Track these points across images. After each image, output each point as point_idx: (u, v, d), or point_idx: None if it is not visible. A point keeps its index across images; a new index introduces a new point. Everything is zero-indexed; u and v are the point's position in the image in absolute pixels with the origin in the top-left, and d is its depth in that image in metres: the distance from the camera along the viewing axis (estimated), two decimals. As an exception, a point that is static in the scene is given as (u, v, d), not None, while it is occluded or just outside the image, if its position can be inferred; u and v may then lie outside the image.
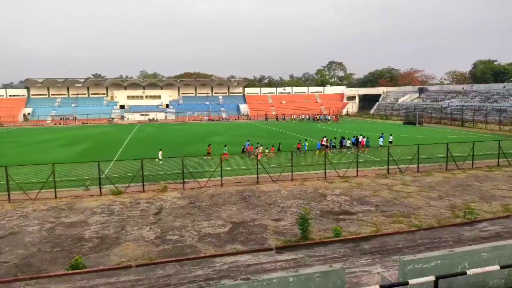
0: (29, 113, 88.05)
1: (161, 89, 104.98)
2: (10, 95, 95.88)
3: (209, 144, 32.87)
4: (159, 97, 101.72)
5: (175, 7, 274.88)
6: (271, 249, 12.18)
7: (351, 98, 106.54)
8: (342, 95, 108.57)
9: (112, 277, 9.72)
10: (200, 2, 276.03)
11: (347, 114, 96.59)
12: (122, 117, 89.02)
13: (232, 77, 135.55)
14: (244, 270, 8.46)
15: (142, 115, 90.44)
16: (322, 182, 22.80)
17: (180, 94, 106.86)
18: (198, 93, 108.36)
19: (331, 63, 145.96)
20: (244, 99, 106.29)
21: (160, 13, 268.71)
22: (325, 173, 23.98)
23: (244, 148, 33.24)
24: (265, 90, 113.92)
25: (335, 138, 37.84)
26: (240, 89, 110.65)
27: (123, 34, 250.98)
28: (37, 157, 33.96)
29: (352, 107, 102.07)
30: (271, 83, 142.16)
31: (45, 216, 17.00)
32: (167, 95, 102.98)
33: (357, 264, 11.36)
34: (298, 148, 33.69)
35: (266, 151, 31.47)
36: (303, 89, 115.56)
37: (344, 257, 11.90)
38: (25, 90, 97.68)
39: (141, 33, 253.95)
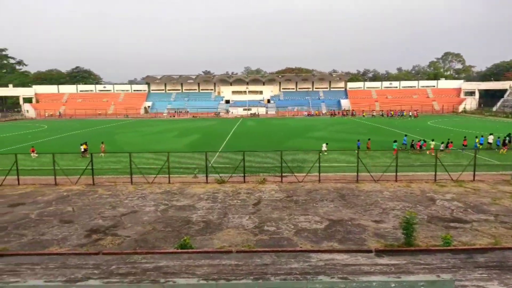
0: (149, 106, 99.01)
1: (263, 84, 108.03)
2: (134, 90, 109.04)
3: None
4: (261, 92, 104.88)
5: (276, 5, 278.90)
6: (370, 251, 11.66)
7: (470, 93, 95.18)
8: (458, 89, 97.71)
9: (215, 260, 10.43)
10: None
11: (464, 111, 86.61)
12: (227, 111, 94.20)
13: (334, 71, 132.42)
14: (340, 269, 8.27)
15: (245, 109, 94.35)
16: (431, 185, 20.93)
17: (281, 89, 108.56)
18: (299, 88, 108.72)
19: (446, 54, 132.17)
20: (345, 94, 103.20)
21: (263, 12, 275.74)
22: (435, 175, 21.95)
23: (413, 143, 32.46)
24: (369, 84, 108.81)
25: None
26: (342, 84, 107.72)
27: (229, 34, 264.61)
28: (154, 145, 38.09)
29: (471, 103, 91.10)
30: (376, 77, 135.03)
31: (159, 199, 18.98)
32: (268, 90, 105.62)
33: (469, 277, 10.18)
34: (419, 147, 31.52)
35: (442, 146, 30.97)
36: (413, 83, 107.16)
37: (454, 269, 10.77)
38: (146, 85, 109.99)
39: (245, 32, 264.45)
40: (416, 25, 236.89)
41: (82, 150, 31.01)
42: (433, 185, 21.04)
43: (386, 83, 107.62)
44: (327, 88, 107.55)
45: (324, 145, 31.06)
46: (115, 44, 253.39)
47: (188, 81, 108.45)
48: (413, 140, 33.77)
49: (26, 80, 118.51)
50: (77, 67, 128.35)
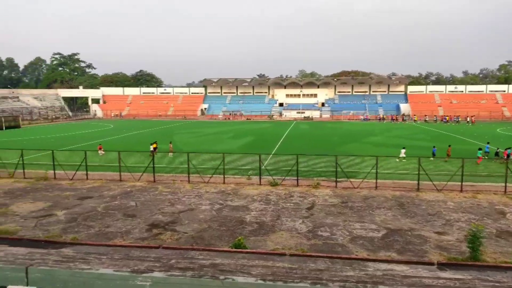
0: (205, 109, 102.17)
1: (318, 87, 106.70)
2: (192, 93, 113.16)
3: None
4: (315, 95, 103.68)
5: (334, 8, 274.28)
6: (432, 264, 11.04)
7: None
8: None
9: (269, 261, 10.46)
10: (361, 2, 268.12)
11: (540, 118, 78.89)
12: (280, 114, 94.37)
13: (393, 74, 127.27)
14: (400, 281, 7.84)
15: (299, 112, 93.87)
16: (501, 197, 19.34)
17: (336, 93, 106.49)
18: (355, 92, 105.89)
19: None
20: (405, 98, 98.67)
21: (318, 14, 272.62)
22: (505, 186, 20.25)
23: (498, 151, 30.28)
24: (432, 88, 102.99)
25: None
26: (401, 87, 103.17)
27: (283, 36, 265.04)
28: (210, 146, 39.23)
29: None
30: (440, 81, 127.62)
31: (215, 198, 19.51)
32: (323, 94, 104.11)
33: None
34: (506, 156, 27.10)
35: None
36: (480, 87, 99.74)
37: (529, 290, 9.84)
38: (203, 88, 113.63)
39: (299, 33, 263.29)
40: (484, 26, 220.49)
41: (152, 149, 32.79)
42: (503, 197, 19.45)
43: (450, 87, 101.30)
44: (385, 91, 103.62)
45: (402, 150, 29.60)
46: (174, 47, 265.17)
47: (243, 84, 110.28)
48: (498, 148, 31.39)
49: (94, 82, 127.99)
50: (140, 71, 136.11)
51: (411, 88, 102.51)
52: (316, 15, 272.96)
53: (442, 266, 10.87)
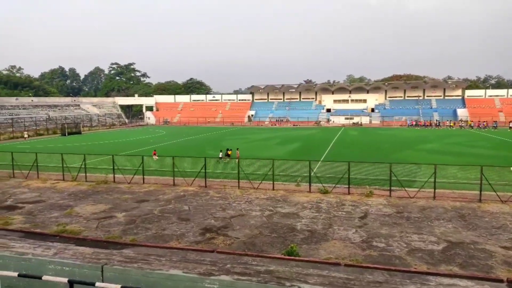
0: (252, 115, 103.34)
1: (367, 92, 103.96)
2: (239, 100, 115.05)
3: None
4: (364, 101, 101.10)
5: (386, 8, 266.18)
6: (501, 281, 10.28)
7: None
8: None
9: (324, 270, 10.31)
10: (413, 1, 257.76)
11: None
12: (328, 120, 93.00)
13: (449, 78, 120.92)
14: (468, 297, 7.48)
15: (347, 118, 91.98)
16: None
17: (387, 98, 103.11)
18: (407, 96, 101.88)
19: None
20: (463, 102, 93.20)
21: (370, 16, 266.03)
22: None
23: None
24: (492, 92, 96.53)
25: None
26: (458, 92, 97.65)
27: (332, 39, 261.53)
28: (258, 152, 39.54)
29: None
30: (501, 84, 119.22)
31: (264, 204, 19.59)
32: (373, 99, 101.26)
33: None
34: None
35: None
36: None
37: None
38: (250, 95, 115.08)
39: (349, 36, 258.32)
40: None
41: (224, 155, 33.91)
42: None
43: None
44: (440, 96, 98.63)
45: None
46: (222, 55, 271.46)
47: (290, 90, 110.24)
48: None
49: (148, 90, 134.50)
50: (191, 79, 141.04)
51: (468, 93, 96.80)
52: (366, 15, 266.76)
53: (512, 284, 10.09)
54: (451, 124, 77.33)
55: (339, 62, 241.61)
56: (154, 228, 16.18)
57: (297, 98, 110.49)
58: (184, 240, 14.58)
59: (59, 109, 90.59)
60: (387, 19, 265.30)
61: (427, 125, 79.23)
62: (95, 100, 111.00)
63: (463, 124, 76.32)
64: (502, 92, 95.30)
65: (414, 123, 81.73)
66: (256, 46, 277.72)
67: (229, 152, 34.17)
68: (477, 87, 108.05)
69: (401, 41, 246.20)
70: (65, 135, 64.95)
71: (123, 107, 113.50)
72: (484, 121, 74.66)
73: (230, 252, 12.36)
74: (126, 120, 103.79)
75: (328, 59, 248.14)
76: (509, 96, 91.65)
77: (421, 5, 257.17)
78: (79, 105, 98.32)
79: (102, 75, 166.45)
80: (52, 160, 30.68)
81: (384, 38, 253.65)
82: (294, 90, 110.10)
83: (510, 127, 67.56)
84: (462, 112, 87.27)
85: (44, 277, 4.89)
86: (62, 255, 9.87)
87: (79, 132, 69.11)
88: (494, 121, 73.34)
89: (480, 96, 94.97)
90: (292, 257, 11.52)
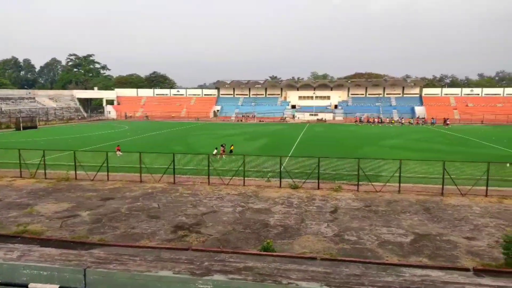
0: (218, 110, 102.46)
1: (331, 90, 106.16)
2: (204, 94, 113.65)
3: None
4: (328, 97, 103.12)
5: (348, 8, 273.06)
6: (467, 270, 10.80)
7: None
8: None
9: (301, 265, 10.32)
10: (373, 0, 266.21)
11: (560, 122, 77.09)
12: (293, 116, 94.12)
13: (408, 76, 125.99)
14: (443, 287, 7.73)
15: (311, 115, 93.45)
16: (529, 202, 18.87)
17: (350, 95, 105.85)
18: (369, 94, 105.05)
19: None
20: (420, 100, 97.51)
21: (332, 15, 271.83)
22: (533, 191, 19.80)
23: None
24: (447, 91, 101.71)
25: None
26: (416, 90, 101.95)
27: (295, 37, 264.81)
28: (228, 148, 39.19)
29: None
30: (454, 84, 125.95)
31: (236, 200, 19.44)
32: (336, 96, 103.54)
33: None
34: None
35: None
36: (497, 90, 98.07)
37: None
38: (216, 90, 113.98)
39: (312, 35, 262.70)
40: (501, 28, 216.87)
41: (220, 151, 33.09)
42: (531, 202, 18.97)
43: (466, 90, 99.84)
44: (400, 94, 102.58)
45: None
46: (186, 49, 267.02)
47: (256, 86, 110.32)
48: None
49: (109, 83, 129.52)
50: (154, 72, 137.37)
51: (426, 91, 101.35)
52: (328, 15, 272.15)
53: (478, 272, 10.61)
54: (405, 122, 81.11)
55: (303, 59, 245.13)
56: (122, 226, 15.58)
57: (263, 94, 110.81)
58: (156, 239, 14.16)
59: (13, 102, 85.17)
60: (349, 18, 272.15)
61: (371, 121, 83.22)
62: (52, 93, 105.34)
63: (403, 121, 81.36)
64: (456, 90, 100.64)
65: (358, 119, 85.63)
66: (222, 42, 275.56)
67: (232, 148, 33.94)
68: (434, 86, 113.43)
69: (362, 39, 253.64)
70: (19, 130, 61.19)
71: (81, 101, 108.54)
72: (423, 118, 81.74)
73: (205, 249, 12.13)
74: (85, 114, 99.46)
75: (292, 56, 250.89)
76: (463, 95, 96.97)
77: (382, 5, 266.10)
78: (34, 98, 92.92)
79: (59, 66, 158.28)
80: (7, 156, 28.76)
81: (345, 36, 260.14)
82: (260, 86, 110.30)
83: (446, 124, 72.81)
84: (419, 110, 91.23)
85: (31, 285, 4.45)
86: (28, 258, 9.22)
87: (35, 127, 65.37)
88: (432, 118, 79.34)
89: (436, 94, 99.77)
90: (268, 253, 11.49)
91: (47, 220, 16.38)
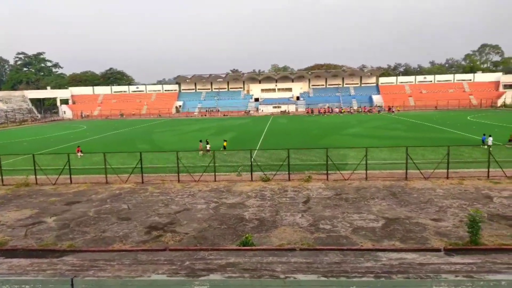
0: (180, 106, 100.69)
1: (292, 81, 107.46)
2: (165, 90, 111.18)
3: None
4: (290, 89, 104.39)
5: (302, 1, 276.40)
6: (439, 250, 11.38)
7: (510, 86, 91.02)
8: (497, 83, 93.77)
9: (282, 257, 10.41)
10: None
11: (504, 105, 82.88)
12: (257, 109, 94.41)
13: (364, 66, 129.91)
14: (420, 269, 8.05)
15: (275, 107, 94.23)
16: (485, 182, 20.15)
17: (311, 86, 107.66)
18: (329, 85, 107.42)
19: (483, 46, 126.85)
20: (377, 89, 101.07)
21: (288, 8, 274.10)
22: (488, 172, 21.14)
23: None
24: (402, 79, 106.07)
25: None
26: (373, 79, 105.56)
27: (255, 30, 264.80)
28: (193, 144, 38.61)
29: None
30: (408, 72, 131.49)
31: (209, 196, 19.25)
32: (298, 88, 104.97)
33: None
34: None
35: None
36: (448, 77, 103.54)
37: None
38: (177, 85, 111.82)
39: (271, 27, 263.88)
40: (447, 17, 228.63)
41: (207, 148, 31.64)
42: (486, 182, 20.27)
43: (420, 78, 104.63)
44: (358, 84, 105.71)
45: (490, 138, 29.66)
46: (143, 44, 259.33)
47: (218, 80, 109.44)
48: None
49: (62, 82, 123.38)
50: (110, 69, 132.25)
51: (382, 80, 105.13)
52: (286, 7, 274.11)
53: (448, 251, 11.22)
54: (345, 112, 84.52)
55: (263, 52, 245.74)
56: (92, 231, 14.96)
57: (225, 88, 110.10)
58: (129, 241, 13.72)
59: (-45, 105, 79.02)
60: (304, 10, 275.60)
61: (322, 112, 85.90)
62: (1, 94, 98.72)
63: (351, 110, 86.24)
64: (411, 78, 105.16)
65: (310, 110, 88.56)
66: (178, 36, 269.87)
67: (225, 144, 32.53)
68: (389, 75, 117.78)
69: (318, 31, 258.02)
70: (-35, 135, 56.89)
71: (34, 101, 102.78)
72: (370, 107, 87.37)
73: (183, 248, 11.92)
74: (39, 115, 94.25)
75: (252, 49, 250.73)
76: (417, 82, 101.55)
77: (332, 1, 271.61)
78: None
79: (7, 66, 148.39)
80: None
81: (302, 28, 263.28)
82: (222, 79, 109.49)
83: (391, 111, 78.64)
84: (377, 98, 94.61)
85: None
86: (-3, 272, 8.64)
87: (-17, 131, 61.00)
88: (378, 107, 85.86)
89: (392, 83, 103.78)
90: (248, 247, 11.48)
91: (10, 229, 15.40)
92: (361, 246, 12.37)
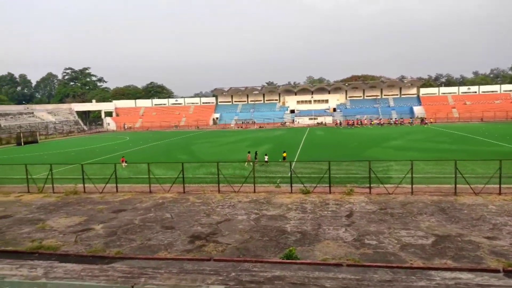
0: (217, 118, 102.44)
1: (329, 93, 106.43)
2: (203, 103, 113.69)
3: None
4: (326, 101, 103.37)
5: (339, 12, 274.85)
6: (498, 271, 10.64)
7: None
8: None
9: (329, 272, 10.20)
10: (364, 4, 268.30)
11: (558, 117, 77.45)
12: (293, 121, 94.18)
13: (403, 77, 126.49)
14: (479, 290, 7.63)
15: (311, 119, 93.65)
16: (544, 199, 18.79)
17: (348, 98, 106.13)
18: (366, 96, 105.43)
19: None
20: (418, 100, 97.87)
21: (323, 20, 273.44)
22: (546, 188, 19.73)
23: None
24: (445, 90, 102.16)
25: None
26: (413, 90, 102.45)
27: (290, 43, 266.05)
28: (231, 155, 39.10)
29: None
30: (450, 82, 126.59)
31: (249, 208, 19.26)
32: (334, 99, 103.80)
33: None
34: None
35: None
36: (494, 87, 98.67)
37: None
38: (214, 98, 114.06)
39: (307, 40, 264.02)
40: (493, 26, 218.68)
41: (265, 159, 31.72)
42: (545, 199, 18.88)
43: (463, 88, 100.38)
44: (397, 95, 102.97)
45: None
46: (181, 58, 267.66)
47: (254, 92, 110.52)
48: None
49: (106, 95, 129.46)
50: (151, 83, 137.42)
51: (423, 91, 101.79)
52: (320, 20, 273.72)
53: (509, 273, 10.46)
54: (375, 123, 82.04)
55: (298, 64, 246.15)
56: (138, 238, 15.37)
57: (261, 100, 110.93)
58: (174, 250, 13.96)
59: (11, 117, 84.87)
60: (341, 23, 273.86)
61: (350, 124, 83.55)
62: (50, 107, 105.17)
63: (380, 122, 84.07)
64: (453, 89, 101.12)
65: (337, 122, 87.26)
66: (215, 49, 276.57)
67: (285, 155, 32.40)
68: (431, 86, 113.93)
69: (355, 42, 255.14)
70: (20, 145, 60.87)
71: (80, 114, 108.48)
72: (401, 119, 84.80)
73: (228, 259, 11.93)
74: (85, 127, 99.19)
75: (287, 61, 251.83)
76: (460, 93, 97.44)
77: (370, 10, 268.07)
78: (33, 113, 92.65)
79: (56, 80, 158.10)
80: (11, 172, 28.53)
81: (339, 40, 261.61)
82: (258, 92, 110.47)
83: (424, 123, 76.18)
84: (418, 110, 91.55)
85: None
86: (54, 275, 9.03)
87: (35, 141, 65.03)
88: (410, 119, 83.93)
89: (434, 93, 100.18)
90: (293, 261, 11.30)
91: (61, 234, 16.15)
92: (412, 264, 11.84)
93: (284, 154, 32.25)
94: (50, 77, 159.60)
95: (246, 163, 31.06)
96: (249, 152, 32.10)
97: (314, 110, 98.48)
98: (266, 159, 31.18)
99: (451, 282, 9.77)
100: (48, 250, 14.04)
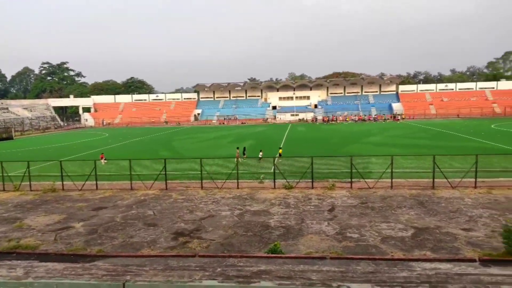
0: (198, 114, 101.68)
1: (310, 89, 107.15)
2: (184, 98, 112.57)
3: None
4: (308, 97, 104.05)
5: (322, 9, 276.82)
6: (474, 260, 11.06)
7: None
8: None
9: (313, 265, 10.35)
10: (346, 2, 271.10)
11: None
12: (275, 117, 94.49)
13: (383, 74, 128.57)
14: (459, 279, 7.91)
15: (293, 115, 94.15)
16: (516, 192, 19.54)
17: (329, 94, 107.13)
18: (347, 93, 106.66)
19: (507, 53, 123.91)
20: (397, 97, 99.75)
21: (307, 17, 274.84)
22: (519, 181, 20.52)
23: None
24: (423, 87, 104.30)
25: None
26: (393, 87, 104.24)
27: (274, 38, 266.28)
28: (213, 151, 38.93)
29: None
30: (428, 80, 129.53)
31: (232, 203, 19.27)
32: (316, 96, 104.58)
33: None
34: None
35: None
36: (470, 85, 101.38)
37: None
38: (195, 94, 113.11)
39: (291, 36, 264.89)
40: (470, 24, 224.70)
41: (259, 155, 31.50)
42: (517, 191, 19.64)
43: (441, 85, 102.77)
44: (377, 92, 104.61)
45: None
46: (161, 53, 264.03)
47: (236, 88, 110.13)
48: None
49: (84, 90, 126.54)
50: (131, 78, 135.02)
51: (402, 88, 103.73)
52: (303, 16, 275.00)
53: (484, 262, 10.88)
54: (385, 118, 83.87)
55: (279, 61, 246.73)
56: (120, 236, 15.17)
57: (243, 96, 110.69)
58: (157, 247, 13.85)
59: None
60: (321, 19, 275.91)
61: (326, 120, 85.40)
62: (26, 102, 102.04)
63: (354, 118, 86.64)
64: (431, 86, 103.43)
65: (314, 119, 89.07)
66: (198, 45, 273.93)
67: (280, 151, 31.68)
68: (409, 83, 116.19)
69: (335, 40, 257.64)
70: (-6, 141, 58.88)
71: (57, 109, 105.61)
72: (375, 115, 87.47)
73: (212, 255, 11.94)
74: (62, 123, 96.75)
75: (269, 58, 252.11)
76: (438, 90, 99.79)
77: (352, 6, 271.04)
78: (7, 108, 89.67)
79: (32, 75, 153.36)
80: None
81: (319, 37, 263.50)
82: (240, 88, 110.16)
83: (396, 119, 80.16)
84: (397, 106, 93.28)
85: None
86: (36, 274, 8.81)
87: (10, 138, 63.04)
88: (384, 115, 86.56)
89: (412, 91, 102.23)
90: (278, 255, 11.41)
91: (40, 233, 15.76)
92: (393, 256, 12.14)
93: (280, 151, 32.18)
94: (26, 71, 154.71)
95: (241, 158, 30.37)
96: (237, 148, 31.97)
97: (296, 106, 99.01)
98: (260, 155, 31.16)
99: (432, 272, 10.08)
100: (27, 249, 13.71)
